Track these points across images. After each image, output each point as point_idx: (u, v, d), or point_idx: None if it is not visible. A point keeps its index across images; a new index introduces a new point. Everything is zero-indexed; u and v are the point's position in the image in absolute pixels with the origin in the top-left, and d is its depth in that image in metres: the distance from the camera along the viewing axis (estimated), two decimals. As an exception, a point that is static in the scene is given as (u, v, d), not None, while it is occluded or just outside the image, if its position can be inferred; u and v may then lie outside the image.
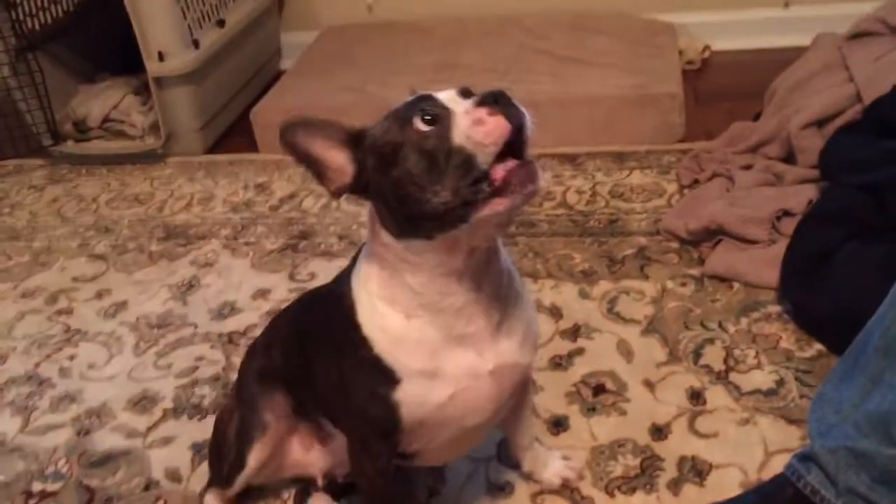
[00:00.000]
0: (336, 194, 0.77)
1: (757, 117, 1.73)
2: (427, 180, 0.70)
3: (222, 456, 1.01)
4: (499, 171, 0.69)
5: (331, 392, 0.88)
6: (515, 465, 1.07)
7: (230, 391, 1.11)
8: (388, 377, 0.80)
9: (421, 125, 0.71)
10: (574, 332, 1.31)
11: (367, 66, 2.09)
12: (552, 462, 1.06)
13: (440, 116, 0.71)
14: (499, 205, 0.69)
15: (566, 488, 1.05)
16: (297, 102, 1.96)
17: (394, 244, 0.76)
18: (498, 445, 1.11)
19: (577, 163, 1.77)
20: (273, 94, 2.08)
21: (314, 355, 0.90)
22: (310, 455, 1.04)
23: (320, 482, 1.05)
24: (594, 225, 1.57)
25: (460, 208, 0.70)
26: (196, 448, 1.19)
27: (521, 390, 0.94)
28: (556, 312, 1.35)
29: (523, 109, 0.70)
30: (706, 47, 2.14)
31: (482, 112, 0.69)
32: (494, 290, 0.80)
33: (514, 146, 0.70)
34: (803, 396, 1.13)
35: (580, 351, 1.27)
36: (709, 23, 2.18)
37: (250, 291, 1.52)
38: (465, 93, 0.74)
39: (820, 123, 1.54)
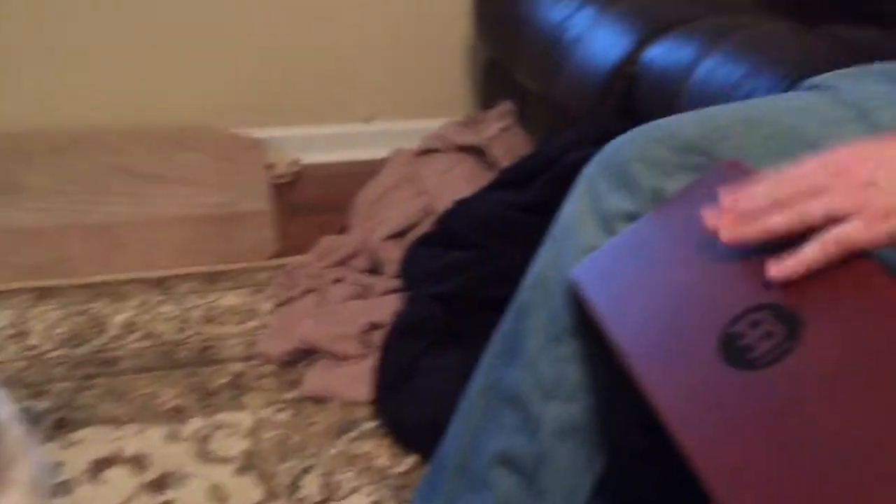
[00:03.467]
0: None
1: (344, 230, 1.77)
2: None
3: None
4: None
5: None
6: None
7: None
8: None
9: None
10: (160, 483, 1.17)
11: None
12: None
13: None
14: None
15: None
16: None
17: None
18: None
19: (166, 287, 1.65)
20: None
21: None
22: None
23: None
24: (185, 355, 1.45)
25: None
26: None
27: None
28: (139, 463, 1.21)
29: None
30: (295, 160, 2.17)
31: None
32: None
33: None
34: (400, 515, 1.12)
35: (168, 504, 1.14)
36: (297, 136, 2.23)
37: None
38: None
39: (400, 234, 1.61)
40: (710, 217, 0.65)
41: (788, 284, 0.59)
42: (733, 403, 0.56)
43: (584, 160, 0.83)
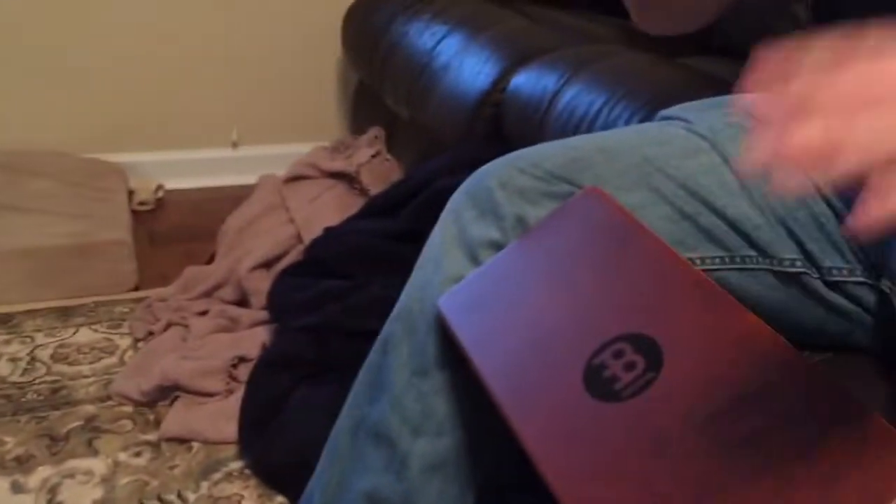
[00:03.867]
0: None
1: (212, 259, 1.70)
2: None
3: None
4: None
5: None
6: None
7: None
8: None
9: None
10: (1, 542, 1.08)
11: None
12: None
13: None
14: None
15: None
16: None
17: None
18: None
19: (13, 324, 1.53)
20: None
21: None
22: None
23: None
24: (32, 398, 1.35)
25: None
26: None
27: None
28: (-23, 520, 1.11)
29: None
30: (159, 186, 2.08)
31: None
32: None
33: None
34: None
35: (10, 564, 1.04)
36: (160, 162, 2.14)
37: None
38: None
39: (269, 264, 1.56)
40: (755, 151, 0.43)
41: (647, 313, 0.59)
42: (597, 436, 0.55)
43: (454, 187, 0.82)
